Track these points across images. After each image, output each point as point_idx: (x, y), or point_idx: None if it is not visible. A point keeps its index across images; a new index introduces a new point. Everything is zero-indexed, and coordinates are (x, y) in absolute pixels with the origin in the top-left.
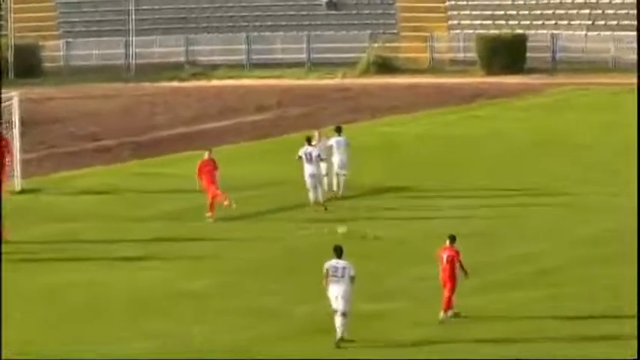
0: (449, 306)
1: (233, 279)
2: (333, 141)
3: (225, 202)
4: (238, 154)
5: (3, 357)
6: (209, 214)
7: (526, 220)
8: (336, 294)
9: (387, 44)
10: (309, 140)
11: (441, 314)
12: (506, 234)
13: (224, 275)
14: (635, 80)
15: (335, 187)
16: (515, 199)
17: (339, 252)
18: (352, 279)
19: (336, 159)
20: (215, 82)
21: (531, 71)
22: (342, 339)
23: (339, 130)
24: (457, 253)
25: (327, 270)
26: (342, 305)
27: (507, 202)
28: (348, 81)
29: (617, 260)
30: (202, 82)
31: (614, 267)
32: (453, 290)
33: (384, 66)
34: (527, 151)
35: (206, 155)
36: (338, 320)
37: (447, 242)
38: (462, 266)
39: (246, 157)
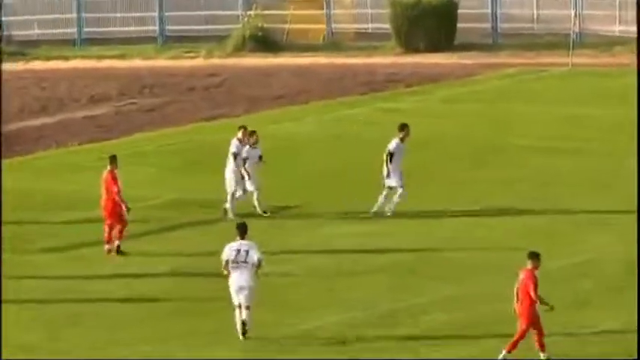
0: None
1: None
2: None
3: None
4: (65, 162)
5: (3, 357)
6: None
7: (451, 260)
8: (237, 284)
9: (269, 12)
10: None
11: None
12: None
13: None
14: (611, 60)
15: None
16: (438, 227)
17: (242, 230)
18: (258, 264)
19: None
20: (35, 65)
21: (464, 48)
22: (245, 333)
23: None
24: (532, 275)
25: (227, 254)
26: (245, 299)
27: (428, 229)
28: (215, 62)
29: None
30: (19, 65)
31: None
32: (528, 327)
33: (265, 42)
34: (461, 160)
35: (110, 165)
36: (243, 314)
37: (528, 263)
38: (534, 293)
39: (75, 167)
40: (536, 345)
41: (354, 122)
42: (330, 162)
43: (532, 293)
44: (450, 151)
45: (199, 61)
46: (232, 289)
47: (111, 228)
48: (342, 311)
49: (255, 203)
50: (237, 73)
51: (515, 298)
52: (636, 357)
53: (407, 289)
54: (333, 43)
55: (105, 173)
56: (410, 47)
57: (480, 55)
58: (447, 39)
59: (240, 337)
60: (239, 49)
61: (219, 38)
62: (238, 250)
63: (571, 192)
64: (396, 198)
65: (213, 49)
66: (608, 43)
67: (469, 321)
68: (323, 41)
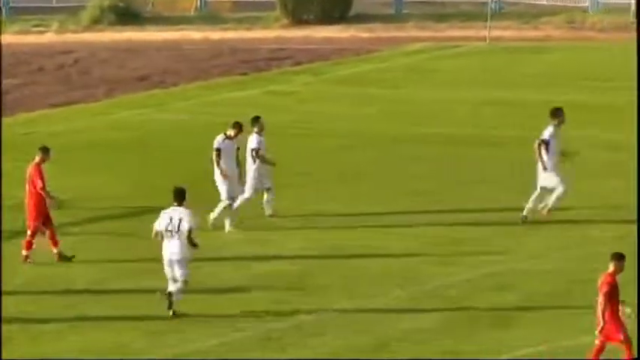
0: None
1: None
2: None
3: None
4: None
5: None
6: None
7: (343, 270)
8: (167, 255)
9: None
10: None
11: None
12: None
13: None
14: (536, 33)
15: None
16: (329, 233)
17: (178, 196)
18: (188, 233)
19: None
20: None
21: (362, 20)
22: (174, 312)
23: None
24: (611, 280)
25: (159, 223)
26: (179, 274)
27: (319, 236)
28: (68, 37)
29: None
30: None
31: None
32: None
33: (127, 13)
34: (358, 152)
35: (38, 157)
36: (174, 286)
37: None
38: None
39: None
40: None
41: (232, 108)
42: (203, 156)
43: (600, 298)
44: (345, 142)
45: (50, 37)
46: (164, 261)
47: (35, 232)
48: (225, 331)
49: (216, 212)
50: (93, 50)
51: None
52: (636, 357)
53: (293, 304)
54: (208, 15)
55: (31, 167)
56: (298, 18)
57: (380, 28)
58: (342, 9)
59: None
60: (96, 22)
61: (73, 9)
62: (171, 218)
63: (490, 189)
64: (554, 198)
65: (66, 23)
66: (533, 14)
67: (366, 344)
68: (195, 12)
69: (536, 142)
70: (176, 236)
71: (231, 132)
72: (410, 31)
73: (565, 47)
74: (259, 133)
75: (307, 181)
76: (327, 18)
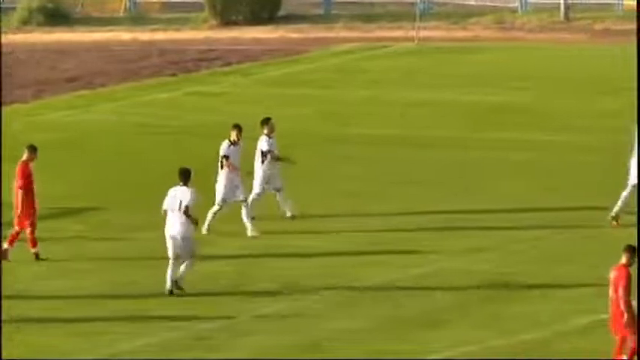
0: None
1: None
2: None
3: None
4: None
5: (3, 357)
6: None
7: (276, 272)
8: (169, 232)
9: None
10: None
11: None
12: (248, 286)
13: None
14: (464, 33)
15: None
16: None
17: (183, 176)
18: (185, 209)
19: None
20: None
21: (291, 20)
22: (178, 285)
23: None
24: (628, 272)
25: (165, 201)
26: (180, 250)
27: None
28: None
29: None
30: None
31: None
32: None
33: (56, 14)
34: (289, 154)
35: (25, 155)
36: (178, 267)
37: (623, 258)
38: (626, 292)
39: None
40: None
41: (161, 109)
42: (131, 156)
43: (620, 292)
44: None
45: None
46: (166, 238)
47: (21, 230)
48: (155, 331)
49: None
50: (24, 51)
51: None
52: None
53: (226, 305)
54: (137, 16)
55: (19, 165)
56: (227, 19)
57: (309, 29)
58: (271, 9)
59: (167, 291)
60: (25, 22)
61: (4, 11)
62: (174, 197)
63: (420, 190)
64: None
65: None
66: (462, 14)
67: (297, 344)
68: (124, 13)
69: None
70: (177, 214)
71: (234, 137)
72: (339, 31)
73: (494, 48)
74: (269, 135)
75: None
76: (256, 19)
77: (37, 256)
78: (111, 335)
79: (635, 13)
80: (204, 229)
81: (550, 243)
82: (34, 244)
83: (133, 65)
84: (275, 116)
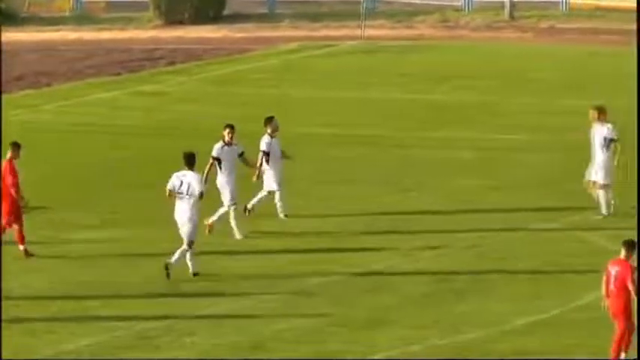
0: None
1: None
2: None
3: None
4: None
5: (3, 357)
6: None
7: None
8: (178, 217)
9: None
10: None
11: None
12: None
13: None
14: (410, 32)
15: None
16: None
17: (188, 160)
18: (200, 196)
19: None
20: None
21: (236, 19)
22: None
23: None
24: (629, 266)
25: (171, 183)
26: (185, 235)
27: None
28: None
29: None
30: None
31: None
32: (627, 325)
33: (2, 14)
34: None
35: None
36: (187, 255)
37: (622, 252)
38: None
39: None
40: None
41: (106, 108)
42: (75, 156)
43: (631, 286)
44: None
45: None
46: (178, 224)
47: (7, 227)
48: (98, 331)
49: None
50: None
51: (605, 294)
52: (636, 357)
53: (168, 305)
54: (82, 15)
55: (3, 163)
56: (172, 19)
57: (254, 28)
58: (216, 9)
59: (191, 274)
60: None
61: None
62: (181, 182)
63: (362, 189)
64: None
65: None
66: (407, 13)
67: (241, 344)
68: (70, 12)
69: None
70: (185, 199)
71: (226, 137)
72: (284, 30)
73: (439, 46)
74: (271, 134)
75: None
76: (201, 18)
77: (26, 252)
78: (55, 335)
79: (580, 12)
80: (238, 236)
81: (494, 242)
82: (23, 241)
83: (79, 64)
84: (219, 115)
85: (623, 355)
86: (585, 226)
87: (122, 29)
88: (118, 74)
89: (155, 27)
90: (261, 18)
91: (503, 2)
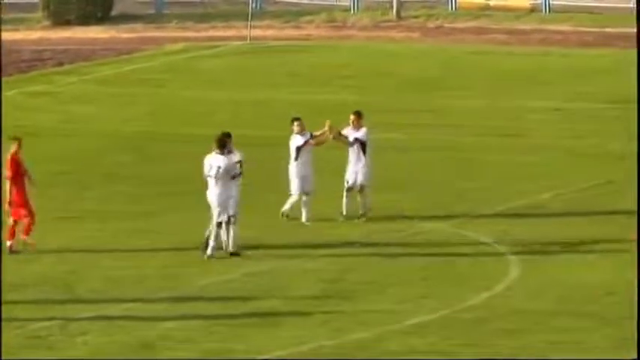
0: None
1: None
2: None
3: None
4: None
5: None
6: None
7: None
8: (212, 200)
9: None
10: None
11: None
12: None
13: None
14: (296, 32)
15: None
16: (98, 231)
17: (219, 144)
18: (234, 178)
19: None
20: None
21: (124, 20)
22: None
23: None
24: None
25: (205, 167)
26: (230, 209)
27: (90, 234)
28: None
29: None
30: None
31: None
32: None
33: None
34: (121, 154)
35: (14, 146)
36: (222, 233)
37: None
38: None
39: None
40: None
41: None
42: None
43: None
44: (106, 143)
45: None
46: (211, 204)
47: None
48: None
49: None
50: None
51: None
52: (636, 357)
53: (59, 305)
54: None
55: (10, 156)
56: (60, 19)
57: (142, 28)
58: (103, 9)
59: (207, 256)
60: None
61: None
62: (211, 165)
63: (248, 190)
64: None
65: None
66: (295, 13)
67: (131, 343)
68: None
69: None
70: (213, 181)
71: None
72: (171, 31)
73: (326, 46)
74: (301, 133)
75: (68, 180)
76: (89, 19)
77: (10, 249)
78: None
79: (468, 12)
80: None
81: (382, 242)
82: (28, 232)
83: None
84: (107, 115)
85: None
86: (471, 226)
87: (15, 30)
88: (9, 75)
89: (44, 28)
90: (148, 19)
91: (390, 2)
